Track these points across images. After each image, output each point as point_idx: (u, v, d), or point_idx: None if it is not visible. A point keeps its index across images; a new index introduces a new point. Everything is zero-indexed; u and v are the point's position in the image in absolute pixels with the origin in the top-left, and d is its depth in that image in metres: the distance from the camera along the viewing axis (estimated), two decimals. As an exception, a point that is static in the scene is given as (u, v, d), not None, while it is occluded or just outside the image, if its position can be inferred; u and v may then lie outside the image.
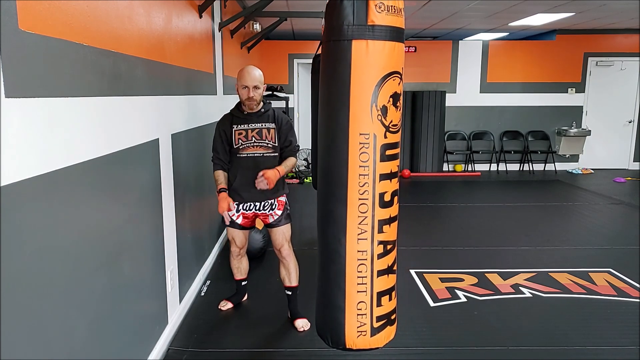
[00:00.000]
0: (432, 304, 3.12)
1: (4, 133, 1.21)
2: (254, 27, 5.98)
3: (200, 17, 3.49)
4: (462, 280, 3.49)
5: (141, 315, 2.27)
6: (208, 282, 3.44)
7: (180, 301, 2.89)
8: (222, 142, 2.67)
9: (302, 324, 2.75)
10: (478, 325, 2.85)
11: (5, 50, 1.21)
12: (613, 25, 7.33)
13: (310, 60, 4.12)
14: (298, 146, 2.74)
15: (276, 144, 2.66)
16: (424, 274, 3.58)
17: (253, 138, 2.63)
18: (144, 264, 2.32)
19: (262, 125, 2.64)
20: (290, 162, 2.68)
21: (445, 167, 8.24)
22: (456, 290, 3.30)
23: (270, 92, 7.35)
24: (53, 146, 1.45)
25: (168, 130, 2.67)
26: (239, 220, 2.75)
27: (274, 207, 2.72)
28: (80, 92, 1.62)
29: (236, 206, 2.71)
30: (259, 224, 3.06)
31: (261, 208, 2.71)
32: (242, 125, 2.64)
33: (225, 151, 2.67)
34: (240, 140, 2.63)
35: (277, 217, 2.73)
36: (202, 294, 3.27)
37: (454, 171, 8.26)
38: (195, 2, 3.39)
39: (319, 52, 3.54)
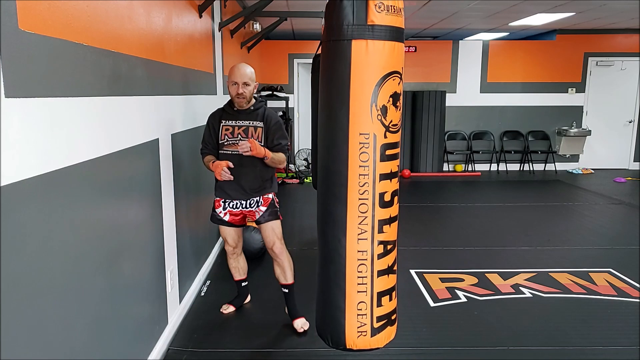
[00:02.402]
0: (432, 304, 3.12)
1: (4, 133, 1.21)
2: (254, 27, 5.98)
3: (200, 17, 3.48)
4: (462, 280, 3.49)
5: (141, 315, 2.27)
6: (208, 282, 3.44)
7: (180, 301, 2.89)
8: (211, 136, 2.67)
9: (300, 324, 2.74)
10: (478, 325, 2.85)
11: (5, 50, 1.21)
12: (613, 25, 7.33)
13: (311, 60, 4.12)
14: (288, 146, 2.68)
15: (262, 144, 2.58)
16: (424, 274, 3.58)
17: (239, 135, 2.60)
18: (144, 264, 2.32)
19: (249, 123, 2.61)
20: (278, 155, 2.59)
21: (445, 167, 8.24)
22: (456, 290, 3.30)
23: (271, 92, 7.36)
24: (53, 146, 1.45)
25: (168, 130, 2.67)
26: (227, 218, 2.74)
27: (259, 204, 2.70)
28: (81, 92, 1.62)
29: (222, 204, 2.72)
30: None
31: (247, 206, 2.69)
32: (230, 121, 2.63)
33: (213, 145, 2.67)
34: (226, 136, 2.62)
35: (262, 213, 2.69)
36: (202, 294, 3.27)
37: (454, 171, 8.26)
38: (195, 2, 3.39)
39: (319, 51, 3.55)
